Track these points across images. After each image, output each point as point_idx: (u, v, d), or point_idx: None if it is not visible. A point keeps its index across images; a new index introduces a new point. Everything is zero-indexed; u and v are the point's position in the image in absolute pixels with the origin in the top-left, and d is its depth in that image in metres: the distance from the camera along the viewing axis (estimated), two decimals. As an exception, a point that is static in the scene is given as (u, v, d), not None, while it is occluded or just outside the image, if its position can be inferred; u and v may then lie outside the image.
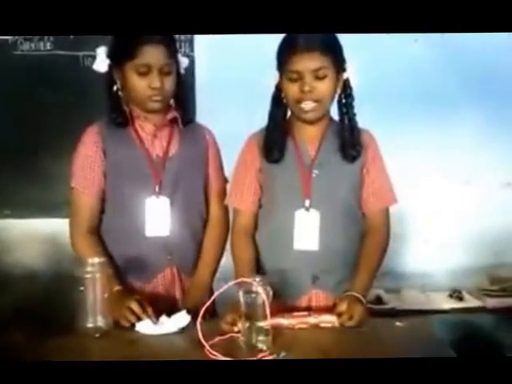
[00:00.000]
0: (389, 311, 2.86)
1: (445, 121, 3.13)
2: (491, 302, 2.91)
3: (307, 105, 1.77)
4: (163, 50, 1.84)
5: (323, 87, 1.76)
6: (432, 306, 2.94)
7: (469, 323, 2.75)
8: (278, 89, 1.86)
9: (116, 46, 1.91)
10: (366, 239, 1.93)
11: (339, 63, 1.79)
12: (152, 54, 1.82)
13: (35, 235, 3.20)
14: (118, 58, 1.87)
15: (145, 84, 1.84)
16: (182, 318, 1.73)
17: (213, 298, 1.66)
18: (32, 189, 3.15)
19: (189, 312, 1.74)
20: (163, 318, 1.75)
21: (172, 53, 1.88)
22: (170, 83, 1.89)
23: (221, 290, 1.65)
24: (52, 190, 3.05)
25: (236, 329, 1.66)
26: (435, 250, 3.20)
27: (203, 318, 1.62)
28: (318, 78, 1.74)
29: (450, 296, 3.05)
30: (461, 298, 3.01)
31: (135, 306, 1.76)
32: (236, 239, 1.97)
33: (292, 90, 1.76)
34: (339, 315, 1.73)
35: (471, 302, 2.98)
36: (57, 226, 2.93)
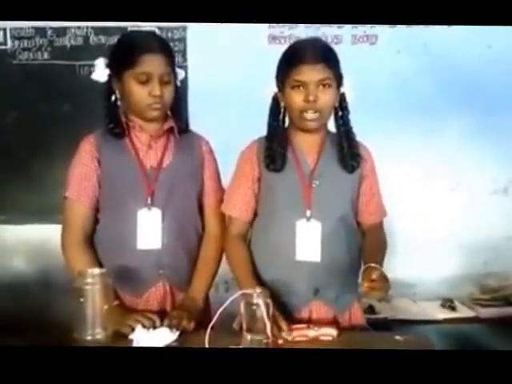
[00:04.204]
0: (381, 321, 2.86)
1: (432, 130, 3.18)
2: (484, 312, 2.92)
3: (310, 114, 1.80)
4: (163, 58, 1.84)
5: (326, 97, 1.80)
6: (425, 316, 2.94)
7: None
8: (276, 100, 1.90)
9: (115, 54, 1.91)
10: (367, 238, 1.97)
11: (339, 77, 1.84)
12: (152, 63, 1.82)
13: (29, 241, 3.21)
14: (118, 66, 1.86)
15: (145, 92, 1.83)
16: (167, 334, 1.71)
17: (218, 312, 1.64)
18: (26, 195, 3.18)
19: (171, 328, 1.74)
20: (162, 328, 1.74)
21: (171, 62, 1.88)
22: (169, 92, 1.88)
23: (225, 305, 1.64)
24: (46, 196, 3.08)
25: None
26: (424, 259, 3.21)
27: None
28: (323, 88, 1.78)
29: (443, 306, 3.06)
30: (453, 308, 3.02)
31: (142, 318, 1.77)
32: (231, 244, 1.96)
33: (296, 98, 1.79)
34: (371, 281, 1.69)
35: (464, 311, 2.99)
36: (51, 232, 2.95)
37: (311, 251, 1.86)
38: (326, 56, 1.80)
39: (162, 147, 1.96)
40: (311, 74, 1.77)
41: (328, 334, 1.74)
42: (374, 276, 1.69)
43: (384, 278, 1.71)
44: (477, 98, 3.15)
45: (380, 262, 1.81)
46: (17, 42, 3.17)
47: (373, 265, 1.74)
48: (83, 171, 1.92)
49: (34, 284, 3.15)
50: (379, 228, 2.02)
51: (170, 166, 1.96)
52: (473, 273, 3.21)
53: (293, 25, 3.19)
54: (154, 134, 1.95)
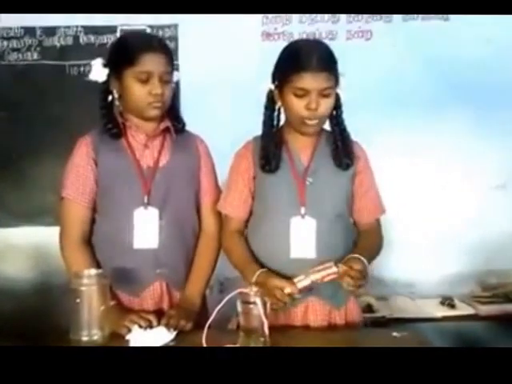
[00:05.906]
0: (380, 319, 2.84)
1: (430, 125, 3.15)
2: (484, 310, 2.90)
3: (311, 121, 1.82)
4: (163, 58, 1.86)
5: (326, 105, 1.81)
6: (424, 314, 2.92)
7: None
8: (271, 98, 1.90)
9: (115, 53, 1.91)
10: (361, 236, 1.99)
11: (337, 81, 1.85)
12: (152, 62, 1.83)
13: (18, 244, 3.19)
14: (117, 65, 1.87)
15: (145, 91, 1.84)
16: (164, 334, 1.71)
17: (215, 311, 1.64)
18: (15, 197, 3.17)
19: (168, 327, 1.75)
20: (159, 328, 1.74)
21: (170, 62, 1.90)
22: (168, 91, 1.89)
23: (222, 303, 1.63)
24: (36, 198, 3.09)
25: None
26: (424, 257, 3.19)
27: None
28: (323, 96, 1.79)
29: (442, 303, 3.03)
30: (453, 306, 2.99)
31: (137, 319, 1.77)
32: (228, 238, 1.99)
33: (298, 105, 1.80)
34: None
35: (464, 309, 2.96)
36: (41, 235, 2.97)
37: (306, 248, 1.88)
38: (329, 64, 1.81)
39: (158, 147, 1.98)
40: (315, 82, 1.77)
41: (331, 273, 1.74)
42: (355, 266, 1.73)
43: (363, 271, 1.74)
44: (475, 93, 3.12)
45: (368, 259, 1.82)
46: (5, 43, 3.16)
47: (357, 255, 1.78)
48: (80, 171, 1.93)
49: (26, 286, 3.12)
50: (375, 229, 2.02)
51: (166, 165, 1.97)
52: (473, 270, 3.19)
53: (286, 21, 3.18)
54: (151, 133, 1.96)
